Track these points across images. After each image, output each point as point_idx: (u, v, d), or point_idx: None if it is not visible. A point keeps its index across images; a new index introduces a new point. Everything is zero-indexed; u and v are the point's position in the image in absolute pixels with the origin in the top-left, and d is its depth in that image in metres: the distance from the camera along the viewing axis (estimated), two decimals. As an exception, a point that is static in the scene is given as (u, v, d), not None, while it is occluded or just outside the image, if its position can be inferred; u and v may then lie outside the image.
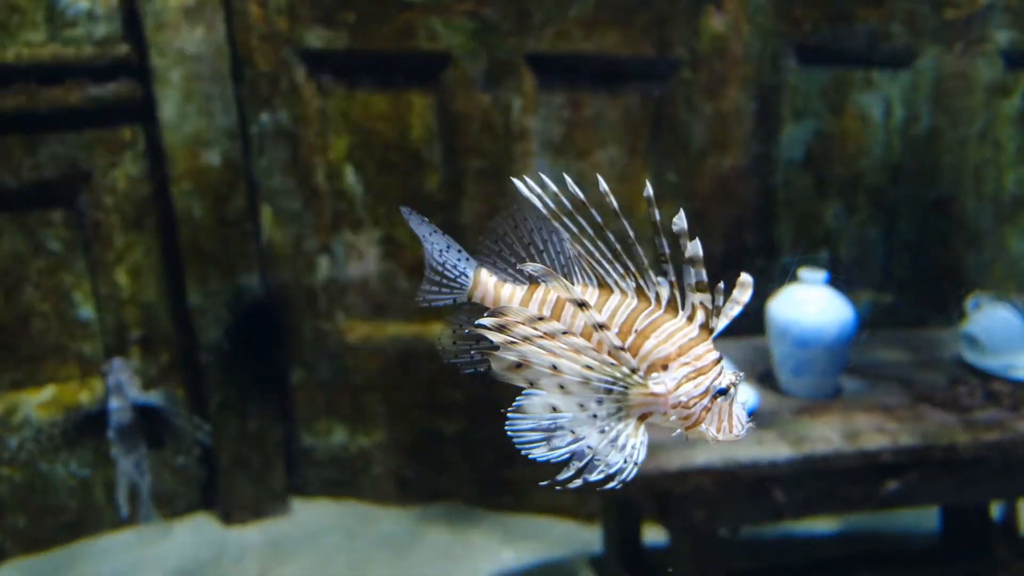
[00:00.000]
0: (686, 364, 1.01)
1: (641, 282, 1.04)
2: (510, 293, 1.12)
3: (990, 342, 2.83)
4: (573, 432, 0.99)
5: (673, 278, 1.01)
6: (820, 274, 2.66)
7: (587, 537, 3.46)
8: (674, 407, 1.01)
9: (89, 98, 3.20)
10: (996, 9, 3.33)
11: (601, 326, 0.98)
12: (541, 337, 0.98)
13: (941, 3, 3.31)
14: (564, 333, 0.99)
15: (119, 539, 3.54)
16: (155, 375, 3.51)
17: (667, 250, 0.99)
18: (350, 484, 3.81)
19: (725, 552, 2.65)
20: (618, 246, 1.04)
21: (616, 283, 1.05)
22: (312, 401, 3.74)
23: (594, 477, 0.98)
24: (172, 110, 3.28)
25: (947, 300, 3.20)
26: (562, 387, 0.99)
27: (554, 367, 0.98)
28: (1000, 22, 3.36)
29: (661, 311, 1.03)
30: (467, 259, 1.15)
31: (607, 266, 1.05)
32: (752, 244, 3.44)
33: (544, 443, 0.98)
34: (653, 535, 3.16)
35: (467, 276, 1.14)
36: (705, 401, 1.01)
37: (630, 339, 1.02)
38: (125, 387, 3.27)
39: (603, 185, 1.01)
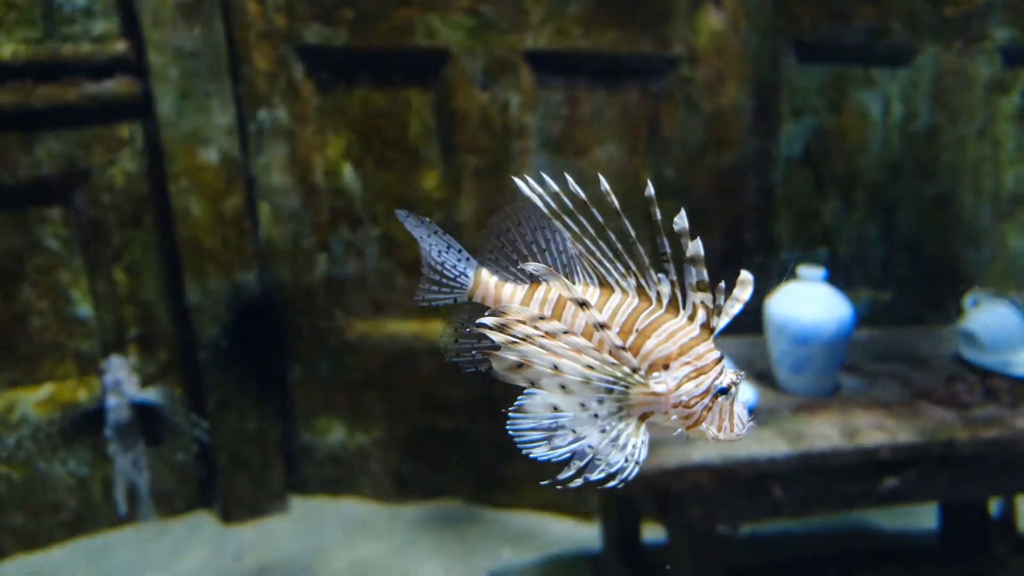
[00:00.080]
0: (687, 363, 1.01)
1: (642, 281, 1.04)
2: (511, 293, 1.12)
3: (988, 339, 2.84)
4: (574, 431, 0.99)
5: (674, 277, 1.01)
6: (819, 271, 2.66)
7: (586, 535, 3.47)
8: (675, 406, 1.01)
9: (86, 95, 3.19)
10: (995, 6, 3.34)
11: (602, 326, 0.98)
12: (542, 337, 0.98)
13: (940, 0, 3.31)
14: (565, 333, 0.99)
15: (118, 537, 3.53)
16: (153, 373, 3.51)
17: (668, 249, 0.99)
18: (349, 482, 3.81)
19: (724, 549, 2.64)
20: (619, 245, 1.03)
21: (617, 282, 1.05)
22: (311, 399, 3.74)
23: (595, 476, 0.98)
24: (170, 107, 3.27)
25: (946, 297, 3.20)
26: (563, 387, 0.99)
27: (555, 367, 0.98)
28: (999, 19, 3.36)
29: (662, 310, 1.03)
30: (467, 259, 1.14)
31: (608, 265, 1.05)
32: (751, 241, 3.44)
33: (545, 442, 0.98)
34: (652, 533, 3.16)
35: (467, 276, 1.14)
36: (706, 400, 1.01)
37: (631, 338, 1.02)
38: (123, 385, 3.27)
39: (604, 184, 1.01)
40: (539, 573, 3.32)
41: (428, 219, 1.15)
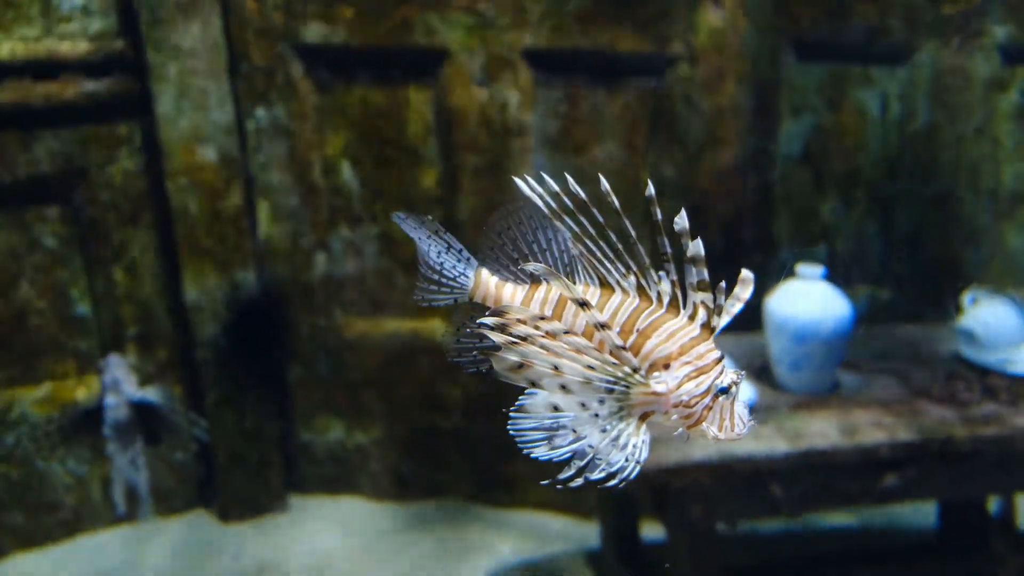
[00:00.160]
0: (687, 363, 1.01)
1: (642, 281, 1.04)
2: (511, 293, 1.12)
3: (987, 337, 2.84)
4: (575, 431, 0.99)
5: (674, 277, 1.01)
6: (818, 269, 2.67)
7: (585, 533, 3.47)
8: (676, 406, 1.01)
9: (85, 94, 3.19)
10: (994, 4, 3.34)
11: (603, 325, 0.98)
12: (543, 337, 0.98)
13: (939, -2, 3.32)
14: (566, 333, 0.99)
15: (116, 536, 3.53)
16: (152, 372, 3.51)
17: (668, 249, 0.99)
18: (348, 481, 3.81)
19: (723, 547, 2.65)
20: (619, 245, 1.03)
21: (617, 282, 1.05)
22: (310, 397, 3.74)
23: (596, 476, 0.98)
24: (168, 105, 3.26)
25: (944, 295, 3.21)
26: (564, 387, 0.99)
27: (556, 367, 0.98)
28: (998, 17, 3.36)
29: (663, 310, 1.03)
30: (468, 259, 1.14)
31: (608, 265, 1.05)
32: (750, 239, 3.44)
33: (546, 442, 0.98)
34: (651, 530, 3.16)
35: (467, 276, 1.13)
36: (707, 400, 1.01)
37: (632, 338, 1.02)
38: (122, 384, 3.27)
39: (604, 184, 1.01)
40: (539, 571, 3.33)
41: (430, 217, 1.14)
